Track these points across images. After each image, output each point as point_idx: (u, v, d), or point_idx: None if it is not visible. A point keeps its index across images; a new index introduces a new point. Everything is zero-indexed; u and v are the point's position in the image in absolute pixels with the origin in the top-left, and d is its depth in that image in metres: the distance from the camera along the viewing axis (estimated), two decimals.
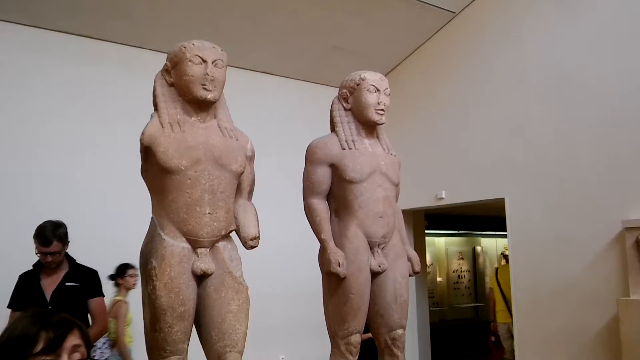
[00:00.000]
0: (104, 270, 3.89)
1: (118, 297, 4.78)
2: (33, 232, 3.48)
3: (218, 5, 5.53)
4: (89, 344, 1.29)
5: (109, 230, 5.04)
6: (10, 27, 5.02)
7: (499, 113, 6.17)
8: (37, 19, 5.09)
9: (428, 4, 6.18)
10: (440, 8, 6.37)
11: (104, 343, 4.56)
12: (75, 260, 3.57)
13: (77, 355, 1.25)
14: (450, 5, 6.42)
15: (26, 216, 4.41)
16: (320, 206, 3.09)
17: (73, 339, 1.25)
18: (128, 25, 5.43)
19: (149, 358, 2.60)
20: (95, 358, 4.45)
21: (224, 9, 5.59)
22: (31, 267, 3.58)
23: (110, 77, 5.48)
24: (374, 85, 3.14)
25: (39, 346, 1.20)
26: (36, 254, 3.48)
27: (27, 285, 3.49)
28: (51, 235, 3.46)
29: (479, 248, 11.91)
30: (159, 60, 2.84)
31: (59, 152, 5.13)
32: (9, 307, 3.52)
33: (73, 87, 5.28)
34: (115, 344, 4.67)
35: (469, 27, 6.51)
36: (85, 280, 3.53)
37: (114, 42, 5.55)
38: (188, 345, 2.59)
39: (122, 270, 4.82)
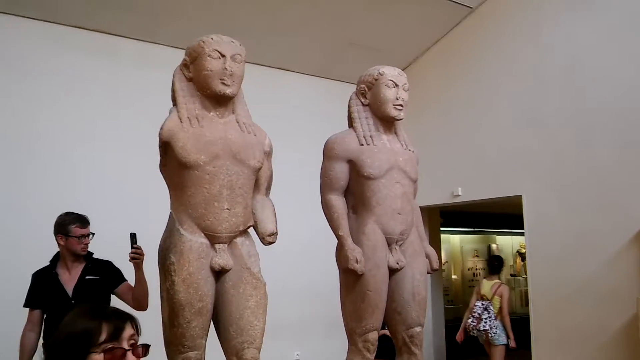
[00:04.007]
0: (121, 267, 3.88)
1: (499, 281, 6.20)
2: (54, 226, 3.45)
3: (233, 0, 5.52)
4: (139, 332, 1.45)
5: (127, 226, 5.04)
6: (24, 22, 5.03)
7: (517, 109, 6.09)
8: (51, 14, 5.10)
9: None
10: (458, 3, 6.31)
11: (489, 315, 5.97)
12: (92, 254, 3.57)
13: (132, 342, 1.40)
14: (468, 0, 6.35)
15: (40, 210, 4.43)
16: (338, 202, 3.07)
17: (129, 329, 1.40)
18: (143, 20, 5.43)
19: (167, 353, 2.60)
20: (483, 328, 5.94)
21: (240, 4, 5.57)
22: (47, 264, 3.55)
23: (125, 72, 5.48)
24: (392, 81, 3.11)
25: (103, 336, 1.34)
26: (60, 244, 3.43)
27: (45, 281, 3.42)
28: (85, 217, 3.50)
29: (494, 246, 11.82)
30: (174, 55, 2.84)
31: (74, 146, 5.14)
32: (26, 305, 3.44)
33: (88, 81, 5.29)
34: (499, 316, 5.97)
35: (487, 22, 6.44)
36: (105, 272, 3.52)
37: (129, 37, 5.55)
38: (206, 340, 2.59)
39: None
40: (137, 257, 3.23)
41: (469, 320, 6.11)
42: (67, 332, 1.34)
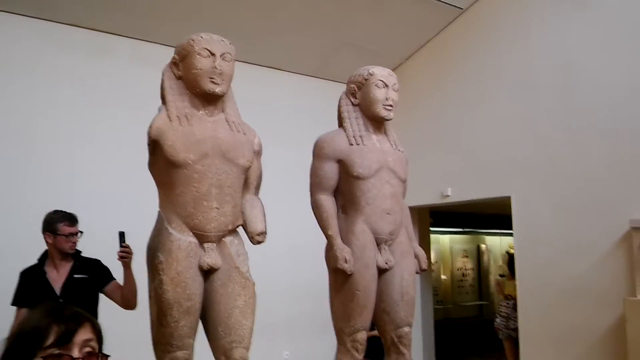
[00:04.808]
0: (110, 265, 3.87)
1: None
2: (42, 224, 3.43)
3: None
4: (101, 338, 1.27)
5: (116, 224, 5.01)
6: (19, 20, 5.00)
7: (507, 110, 6.12)
8: (46, 12, 5.07)
9: (437, 0, 6.16)
10: (448, 4, 6.33)
11: (509, 307, 6.29)
12: (81, 252, 3.56)
13: (88, 349, 1.22)
14: (459, 1, 6.38)
15: (30, 207, 4.40)
16: (328, 202, 3.07)
17: (84, 333, 1.23)
18: (137, 19, 5.40)
19: (155, 352, 2.59)
20: (513, 326, 6.03)
21: (234, 4, 5.56)
22: (35, 262, 3.52)
23: (118, 70, 5.45)
24: (382, 81, 3.12)
25: (50, 339, 1.18)
26: (48, 242, 3.42)
27: (33, 280, 3.40)
28: (74, 215, 3.48)
29: (483, 246, 11.87)
30: (168, 54, 2.83)
31: (66, 144, 5.11)
32: (13, 304, 3.42)
33: (81, 79, 5.26)
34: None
35: (477, 23, 6.47)
36: (93, 271, 3.50)
37: (123, 36, 5.52)
38: (194, 340, 2.58)
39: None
40: (125, 255, 3.22)
41: (497, 320, 6.28)
42: (19, 328, 1.23)
